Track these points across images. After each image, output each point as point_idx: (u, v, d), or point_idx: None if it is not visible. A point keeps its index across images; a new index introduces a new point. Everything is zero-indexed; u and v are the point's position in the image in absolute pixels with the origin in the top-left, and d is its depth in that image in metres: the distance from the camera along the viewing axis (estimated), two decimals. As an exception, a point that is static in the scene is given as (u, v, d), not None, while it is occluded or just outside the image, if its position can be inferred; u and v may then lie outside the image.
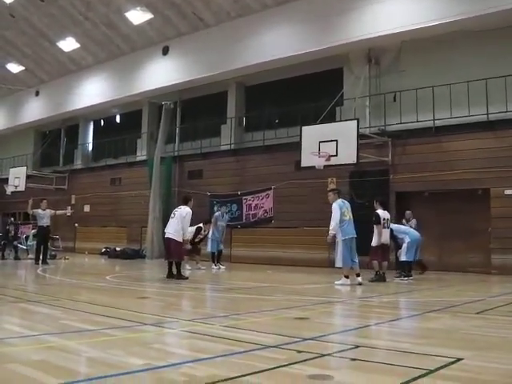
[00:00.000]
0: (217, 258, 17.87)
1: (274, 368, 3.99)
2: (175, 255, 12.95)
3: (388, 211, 13.98)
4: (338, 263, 12.05)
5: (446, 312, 7.57)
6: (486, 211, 16.97)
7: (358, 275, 11.96)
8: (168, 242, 13.03)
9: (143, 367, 3.97)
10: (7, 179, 30.63)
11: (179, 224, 12.85)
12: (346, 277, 11.93)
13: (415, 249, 14.19)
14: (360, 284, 11.78)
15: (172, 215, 13.26)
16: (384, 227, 13.23)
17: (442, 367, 4.04)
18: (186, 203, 13.41)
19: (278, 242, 20.44)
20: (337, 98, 20.05)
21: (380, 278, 12.95)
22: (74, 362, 4.22)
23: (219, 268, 17.42)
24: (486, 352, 4.74)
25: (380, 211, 13.36)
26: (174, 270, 12.93)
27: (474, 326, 6.34)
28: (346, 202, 12.41)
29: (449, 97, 17.60)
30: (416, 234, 14.39)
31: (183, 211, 13.01)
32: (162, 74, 25.97)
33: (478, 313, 7.43)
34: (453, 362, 4.21)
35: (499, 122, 17.06)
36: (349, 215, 12.07)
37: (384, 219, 13.30)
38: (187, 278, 12.89)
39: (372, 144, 19.25)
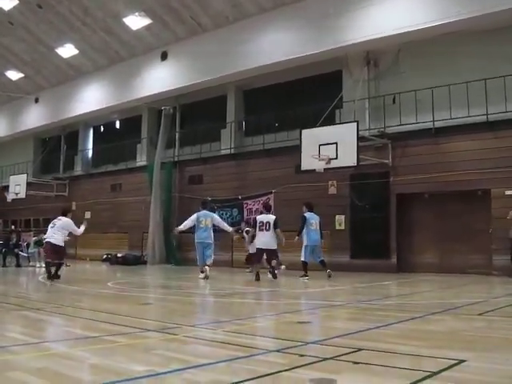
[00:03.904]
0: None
1: (277, 372, 3.97)
2: (58, 257, 13.66)
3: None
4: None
5: (447, 314, 7.55)
6: (486, 212, 16.98)
7: (201, 272, 14.51)
8: (50, 246, 13.62)
9: (146, 373, 3.96)
10: (8, 186, 30.68)
11: (60, 232, 13.67)
12: (202, 271, 14.51)
13: (312, 250, 15.19)
14: (206, 278, 14.12)
15: (51, 225, 13.87)
16: (261, 230, 14.45)
17: (444, 369, 4.03)
18: (65, 215, 14.14)
19: (279, 246, 20.36)
20: (336, 101, 20.09)
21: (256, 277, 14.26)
22: (77, 370, 4.20)
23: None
24: (488, 353, 4.73)
25: (259, 216, 15.06)
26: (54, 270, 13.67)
27: (476, 327, 6.33)
28: (210, 213, 15.11)
29: (448, 98, 17.62)
30: (315, 237, 15.18)
31: (64, 223, 13.79)
32: (160, 79, 26.03)
33: (480, 314, 7.41)
34: (455, 364, 4.20)
35: (499, 122, 17.09)
36: (205, 223, 14.50)
37: (261, 222, 14.46)
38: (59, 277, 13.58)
39: (372, 146, 19.27)
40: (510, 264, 15.79)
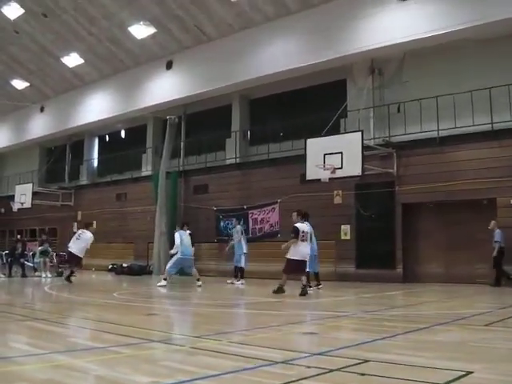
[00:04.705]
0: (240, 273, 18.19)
1: (283, 384, 3.96)
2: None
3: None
4: (166, 269, 16.22)
5: (454, 324, 7.52)
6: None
7: (164, 279, 16.05)
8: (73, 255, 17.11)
9: (151, 385, 3.95)
10: (13, 196, 30.73)
11: (83, 244, 16.98)
12: (165, 279, 15.96)
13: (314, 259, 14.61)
14: (199, 286, 15.57)
15: (77, 236, 17.15)
16: (303, 240, 13.07)
17: (451, 381, 4.01)
18: (87, 229, 17.58)
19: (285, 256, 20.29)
20: (340, 110, 20.08)
21: (279, 290, 13.08)
22: (82, 381, 4.20)
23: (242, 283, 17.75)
24: (495, 364, 4.71)
25: (299, 224, 13.26)
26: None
27: (482, 338, 6.30)
28: (186, 232, 16.41)
29: (453, 107, 17.61)
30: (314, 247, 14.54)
31: (89, 238, 17.16)
32: (166, 88, 26.09)
33: (486, 325, 7.38)
34: (463, 376, 4.18)
35: (504, 131, 17.05)
36: (188, 242, 15.99)
37: (303, 232, 13.13)
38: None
39: (377, 155, 19.23)
40: (499, 272, 15.93)
